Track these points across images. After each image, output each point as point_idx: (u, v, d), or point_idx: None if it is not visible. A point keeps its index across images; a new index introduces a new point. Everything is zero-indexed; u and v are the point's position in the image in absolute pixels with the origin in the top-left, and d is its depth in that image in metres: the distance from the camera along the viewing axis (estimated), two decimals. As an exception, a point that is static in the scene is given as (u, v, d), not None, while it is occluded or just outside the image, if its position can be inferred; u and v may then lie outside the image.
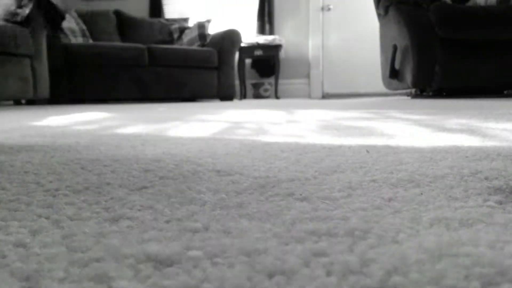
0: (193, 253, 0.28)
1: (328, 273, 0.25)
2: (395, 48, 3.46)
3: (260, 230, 0.33)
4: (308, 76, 5.25)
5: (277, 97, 4.91)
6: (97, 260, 0.27)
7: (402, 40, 3.37)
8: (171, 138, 0.96)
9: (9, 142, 0.91)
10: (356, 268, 0.25)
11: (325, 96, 5.28)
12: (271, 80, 5.09)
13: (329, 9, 5.23)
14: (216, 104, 3.48)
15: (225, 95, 4.36)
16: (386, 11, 3.58)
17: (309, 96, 5.23)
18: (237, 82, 4.84)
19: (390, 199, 0.41)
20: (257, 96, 5.12)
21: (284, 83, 5.15)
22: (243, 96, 5.02)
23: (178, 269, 0.26)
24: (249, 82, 5.14)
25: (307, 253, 0.28)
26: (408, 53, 3.31)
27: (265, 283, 0.24)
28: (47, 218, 0.37)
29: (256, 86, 5.11)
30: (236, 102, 3.95)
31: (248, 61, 5.15)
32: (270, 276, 0.25)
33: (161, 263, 0.27)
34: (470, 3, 3.66)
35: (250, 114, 1.85)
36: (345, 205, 0.39)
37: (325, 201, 0.41)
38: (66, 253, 0.29)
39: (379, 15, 3.81)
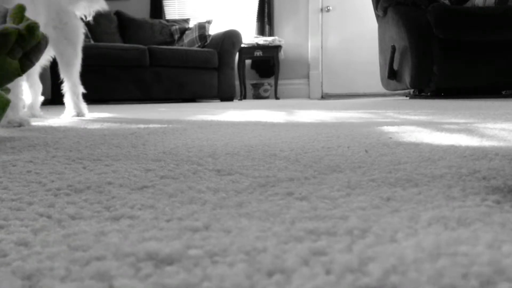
0: (194, 251, 0.28)
1: (327, 272, 0.25)
2: (393, 49, 3.47)
3: (259, 229, 0.33)
4: (307, 76, 5.25)
5: (276, 97, 4.91)
6: (98, 258, 0.28)
7: (400, 41, 3.37)
8: (172, 138, 0.97)
9: (11, 142, 0.91)
10: (355, 267, 0.25)
11: (324, 96, 5.28)
12: (271, 80, 5.09)
13: (328, 10, 5.23)
14: (217, 104, 3.48)
15: (225, 96, 4.36)
16: (385, 12, 3.58)
17: (308, 97, 5.23)
18: (237, 82, 4.85)
19: (388, 199, 0.41)
20: (257, 96, 5.12)
21: (284, 84, 5.15)
22: (243, 96, 5.02)
23: (179, 268, 0.26)
24: (249, 83, 5.15)
25: (306, 252, 0.28)
26: (406, 54, 3.32)
27: (264, 281, 0.24)
28: (49, 217, 0.37)
29: (256, 86, 5.11)
30: (236, 102, 3.96)
31: (248, 61, 5.15)
32: (270, 274, 0.25)
33: (162, 261, 0.27)
34: (468, 4, 3.66)
35: (250, 114, 1.85)
36: (344, 205, 0.39)
37: (324, 201, 0.41)
38: (67, 251, 0.29)
39: (377, 16, 3.82)
